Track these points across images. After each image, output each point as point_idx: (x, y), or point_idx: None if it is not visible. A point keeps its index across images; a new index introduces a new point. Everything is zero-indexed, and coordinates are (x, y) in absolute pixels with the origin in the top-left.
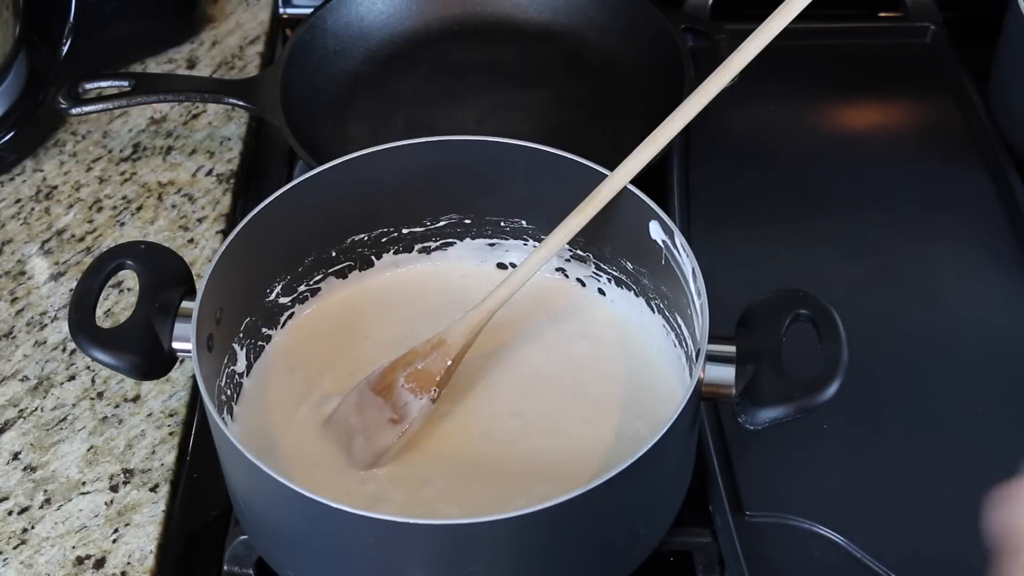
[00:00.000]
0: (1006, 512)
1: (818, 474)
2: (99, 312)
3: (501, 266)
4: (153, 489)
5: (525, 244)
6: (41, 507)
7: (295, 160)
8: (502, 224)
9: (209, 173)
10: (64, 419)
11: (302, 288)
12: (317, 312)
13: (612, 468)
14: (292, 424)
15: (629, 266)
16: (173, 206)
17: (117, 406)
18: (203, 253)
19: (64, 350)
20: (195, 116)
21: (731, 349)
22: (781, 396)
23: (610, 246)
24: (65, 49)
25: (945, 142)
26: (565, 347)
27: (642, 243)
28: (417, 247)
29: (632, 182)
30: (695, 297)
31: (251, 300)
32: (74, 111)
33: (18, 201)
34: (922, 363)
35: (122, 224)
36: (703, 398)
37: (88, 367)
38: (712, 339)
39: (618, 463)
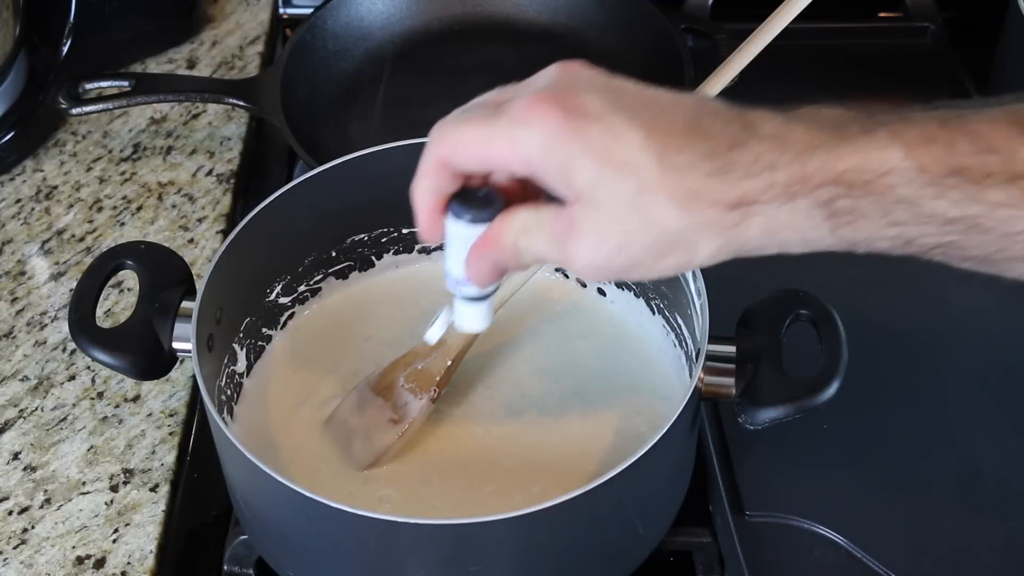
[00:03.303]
0: None
1: (818, 474)
2: (99, 312)
3: None
4: (153, 489)
5: None
6: (41, 507)
7: (295, 160)
8: None
9: (209, 173)
10: (64, 419)
11: (302, 288)
12: (317, 312)
13: (611, 466)
14: (292, 424)
15: None
16: (173, 206)
17: (117, 406)
18: (203, 253)
19: (64, 350)
20: (195, 116)
21: (731, 349)
22: (781, 396)
23: None
24: (65, 49)
25: None
26: (565, 347)
27: None
28: (417, 247)
29: None
30: (695, 297)
31: (251, 300)
32: (74, 111)
33: (18, 201)
34: (922, 363)
35: (122, 224)
36: (703, 398)
37: (88, 367)
38: (712, 339)
39: (617, 461)
